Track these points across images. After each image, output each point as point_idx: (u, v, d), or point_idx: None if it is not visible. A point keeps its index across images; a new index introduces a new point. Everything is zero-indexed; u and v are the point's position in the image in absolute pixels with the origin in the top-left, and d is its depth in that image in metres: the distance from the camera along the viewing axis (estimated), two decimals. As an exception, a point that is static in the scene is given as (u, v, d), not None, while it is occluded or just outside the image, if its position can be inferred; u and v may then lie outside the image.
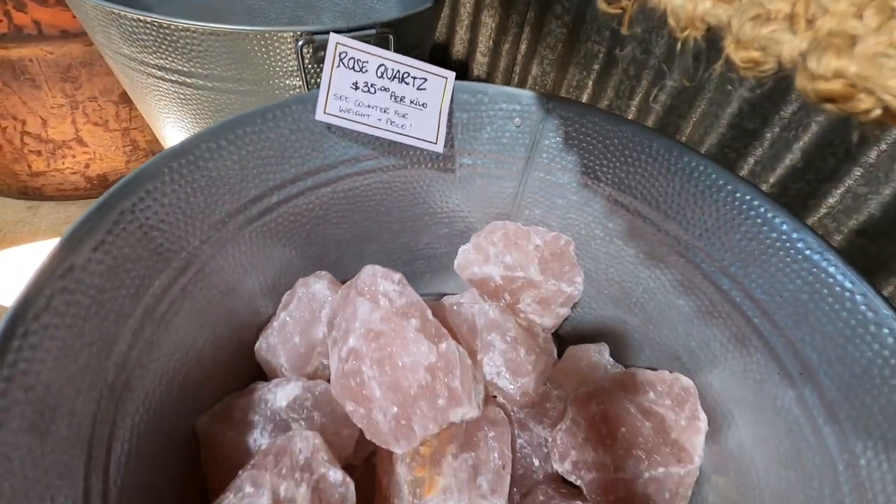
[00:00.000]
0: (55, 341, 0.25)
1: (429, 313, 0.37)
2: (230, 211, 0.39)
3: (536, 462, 0.44)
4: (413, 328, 0.36)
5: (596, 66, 0.80)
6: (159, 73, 0.53)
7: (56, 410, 0.24)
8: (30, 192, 1.08)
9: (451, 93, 0.45)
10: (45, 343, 0.25)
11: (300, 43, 0.49)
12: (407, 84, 0.44)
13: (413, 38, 0.59)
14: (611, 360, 0.49)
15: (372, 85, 0.43)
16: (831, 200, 0.56)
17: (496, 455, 0.38)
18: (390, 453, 0.38)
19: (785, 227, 0.38)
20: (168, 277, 0.34)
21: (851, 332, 0.34)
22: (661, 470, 0.38)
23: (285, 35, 0.49)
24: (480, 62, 1.03)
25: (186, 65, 0.52)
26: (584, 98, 0.82)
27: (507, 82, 1.00)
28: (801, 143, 0.56)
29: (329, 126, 0.43)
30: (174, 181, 0.34)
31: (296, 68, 0.52)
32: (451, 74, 0.45)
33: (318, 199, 0.46)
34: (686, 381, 0.44)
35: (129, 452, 0.29)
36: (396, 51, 0.49)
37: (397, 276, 0.38)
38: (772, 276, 0.39)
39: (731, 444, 0.42)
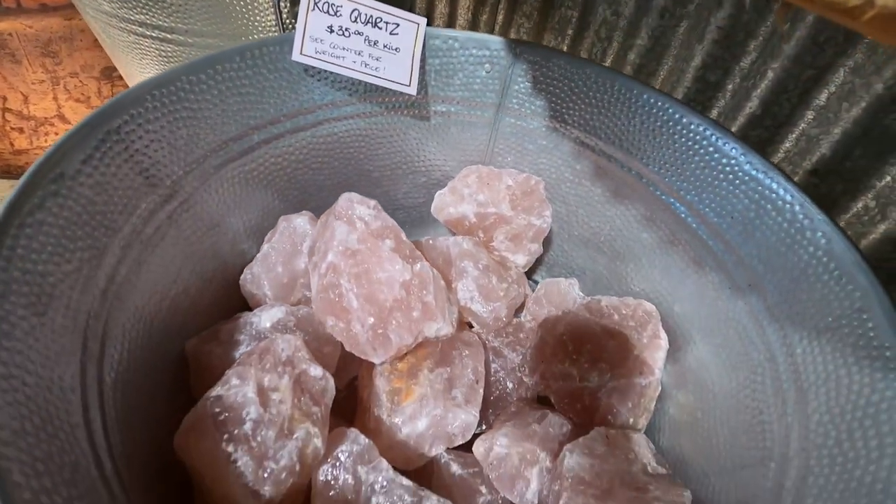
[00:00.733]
0: (49, 238, 0.27)
1: (402, 235, 0.39)
2: (212, 146, 0.41)
3: (511, 385, 0.46)
4: (388, 248, 0.38)
5: (570, 32, 0.83)
6: (140, 29, 0.55)
7: (52, 299, 0.26)
8: (12, 171, 1.08)
9: (423, 38, 0.47)
10: (41, 237, 0.27)
11: (277, -5, 0.50)
12: (380, 28, 0.46)
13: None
14: (580, 293, 0.52)
15: (346, 29, 0.45)
16: (787, 145, 0.59)
17: (470, 371, 0.41)
18: (370, 370, 0.41)
19: (733, 151, 0.41)
20: (154, 202, 0.36)
21: (791, 241, 0.37)
22: (622, 381, 0.41)
23: (262, -12, 0.50)
24: (459, 33, 1.05)
25: (167, 20, 0.53)
26: (559, 62, 0.85)
27: (486, 52, 1.02)
28: (758, 91, 0.59)
29: (306, 69, 0.45)
30: (157, 109, 0.35)
31: (274, 23, 0.54)
32: (423, 20, 0.47)
33: (298, 143, 0.48)
34: (649, 306, 0.47)
35: (121, 354, 0.31)
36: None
37: (372, 202, 0.40)
38: (723, 199, 0.42)
39: (689, 360, 0.45)
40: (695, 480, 0.39)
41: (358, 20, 0.45)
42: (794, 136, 0.58)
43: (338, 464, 0.30)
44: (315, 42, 0.44)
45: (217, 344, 0.38)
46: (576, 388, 0.40)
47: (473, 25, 1.05)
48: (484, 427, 0.43)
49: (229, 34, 0.54)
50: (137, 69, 0.62)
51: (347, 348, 0.37)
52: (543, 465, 0.37)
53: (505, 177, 0.51)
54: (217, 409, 0.29)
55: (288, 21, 0.53)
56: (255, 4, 0.52)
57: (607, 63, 0.79)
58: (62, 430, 0.23)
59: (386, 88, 0.48)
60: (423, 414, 0.37)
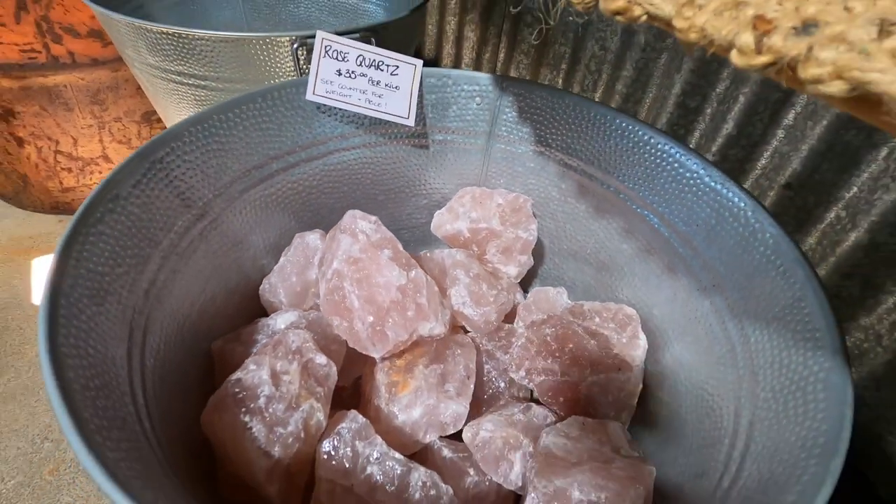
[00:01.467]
0: (106, 245, 0.34)
1: (399, 246, 0.45)
2: (238, 174, 0.48)
3: (502, 385, 0.51)
4: (386, 257, 0.43)
5: (563, 66, 0.90)
6: (178, 77, 0.63)
7: (108, 293, 0.32)
8: (60, 207, 1.18)
9: (419, 77, 0.54)
10: (100, 244, 0.33)
11: (295, 46, 0.58)
12: (382, 70, 0.53)
13: (394, 42, 0.69)
14: (568, 301, 0.56)
15: (352, 72, 0.52)
16: (763, 161, 0.63)
17: (462, 368, 0.46)
18: (372, 368, 0.45)
19: (695, 166, 0.46)
20: (188, 221, 0.43)
21: (746, 243, 0.41)
22: (602, 376, 0.45)
23: (282, 39, 0.58)
24: (464, 71, 1.13)
25: (201, 69, 0.62)
26: (554, 94, 0.91)
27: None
28: (733, 114, 0.64)
29: (318, 106, 0.52)
30: (192, 142, 0.43)
31: (292, 69, 0.62)
32: (419, 62, 0.54)
33: (312, 171, 0.55)
34: (630, 310, 0.51)
35: (159, 345, 0.37)
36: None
37: (373, 217, 0.46)
38: (689, 209, 0.47)
39: (667, 359, 0.49)
40: (666, 464, 0.42)
41: (363, 64, 0.52)
42: (768, 153, 0.62)
43: (339, 438, 0.35)
44: (326, 83, 0.51)
45: (238, 343, 0.44)
46: (558, 382, 0.44)
47: (478, 63, 1.13)
48: (477, 422, 0.47)
49: (254, 79, 0.62)
50: (175, 112, 0.71)
51: (351, 344, 0.42)
52: (526, 450, 0.40)
53: (496, 196, 0.56)
54: (237, 390, 0.35)
55: (304, 66, 0.61)
56: (276, 54, 0.60)
57: (598, 93, 0.85)
58: (115, 393, 0.28)
59: (388, 121, 0.54)
60: (418, 403, 0.42)
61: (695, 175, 0.46)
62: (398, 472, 0.34)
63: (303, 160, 0.54)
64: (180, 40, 0.58)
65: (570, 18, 0.83)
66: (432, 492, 0.34)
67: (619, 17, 0.24)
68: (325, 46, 0.51)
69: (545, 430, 0.39)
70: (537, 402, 0.49)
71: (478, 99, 0.57)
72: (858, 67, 0.14)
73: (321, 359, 0.38)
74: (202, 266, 0.45)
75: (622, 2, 0.23)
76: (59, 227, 1.15)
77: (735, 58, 0.18)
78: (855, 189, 0.54)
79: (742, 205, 0.42)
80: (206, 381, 0.44)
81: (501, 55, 1.05)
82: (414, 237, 0.67)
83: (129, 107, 1.07)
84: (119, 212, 0.35)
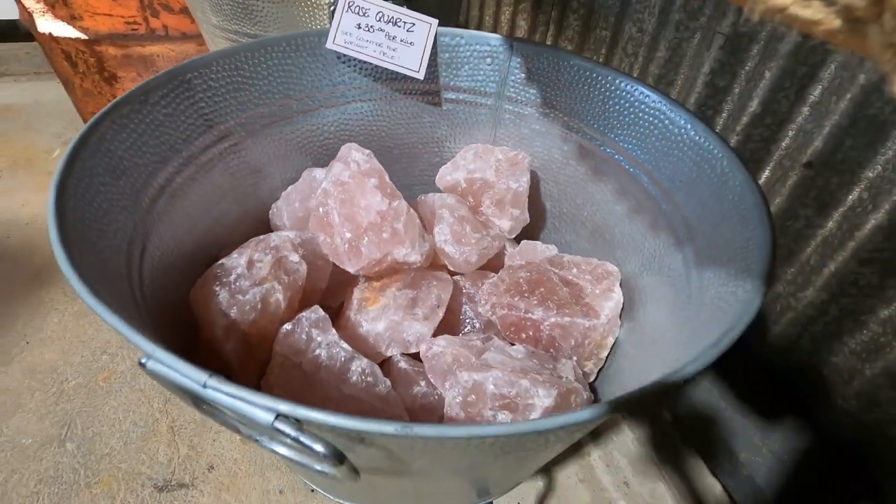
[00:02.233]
0: (129, 136, 0.40)
1: (387, 178, 0.49)
2: (260, 109, 0.54)
3: (477, 325, 0.53)
4: (372, 184, 0.47)
5: (603, 50, 0.90)
6: (234, 36, 0.72)
7: (122, 173, 0.39)
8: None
9: (434, 35, 0.58)
10: (123, 134, 0.40)
11: (332, 8, 0.65)
12: (399, 26, 0.57)
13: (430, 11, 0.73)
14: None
15: (371, 26, 0.57)
16: (786, 142, 0.60)
17: (433, 297, 0.48)
18: (353, 292, 0.49)
19: (682, 121, 0.46)
20: (209, 139, 0.50)
21: (719, 193, 0.41)
22: (566, 319, 0.46)
23: (322, 2, 0.65)
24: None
25: (253, 28, 0.70)
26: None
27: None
28: (759, 90, 0.62)
29: (339, 56, 0.58)
30: (219, 72, 0.49)
31: (329, 28, 0.68)
32: (435, 21, 0.58)
33: (331, 118, 0.60)
34: (611, 267, 0.52)
35: (166, 237, 0.44)
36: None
37: (367, 151, 0.50)
38: (674, 165, 0.47)
39: (640, 316, 0.48)
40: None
41: (381, 19, 0.57)
42: (792, 132, 0.60)
43: (297, 323, 0.39)
44: (345, 34, 0.56)
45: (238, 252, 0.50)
46: (520, 318, 0.46)
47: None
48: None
49: (297, 39, 0.69)
50: (233, 70, 0.80)
51: (331, 258, 0.47)
52: (476, 372, 0.42)
53: (497, 152, 0.59)
54: (218, 271, 0.40)
55: (341, 29, 0.67)
56: (316, 15, 0.67)
57: (634, 76, 0.84)
58: (114, 258, 0.34)
59: (403, 76, 0.59)
60: (384, 318, 0.45)
61: (681, 130, 0.46)
62: (342, 357, 0.38)
63: (322, 106, 0.59)
64: (236, 2, 0.66)
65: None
66: (369, 378, 0.37)
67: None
68: (349, 3, 0.56)
69: (493, 346, 0.40)
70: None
71: (489, 59, 0.60)
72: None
73: (294, 257, 0.42)
74: (220, 181, 0.52)
75: None
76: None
77: None
78: (879, 168, 0.51)
79: (717, 153, 0.42)
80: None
81: (549, 41, 1.06)
82: (425, 192, 0.70)
83: (209, 78, 1.20)
84: (146, 113, 0.42)
